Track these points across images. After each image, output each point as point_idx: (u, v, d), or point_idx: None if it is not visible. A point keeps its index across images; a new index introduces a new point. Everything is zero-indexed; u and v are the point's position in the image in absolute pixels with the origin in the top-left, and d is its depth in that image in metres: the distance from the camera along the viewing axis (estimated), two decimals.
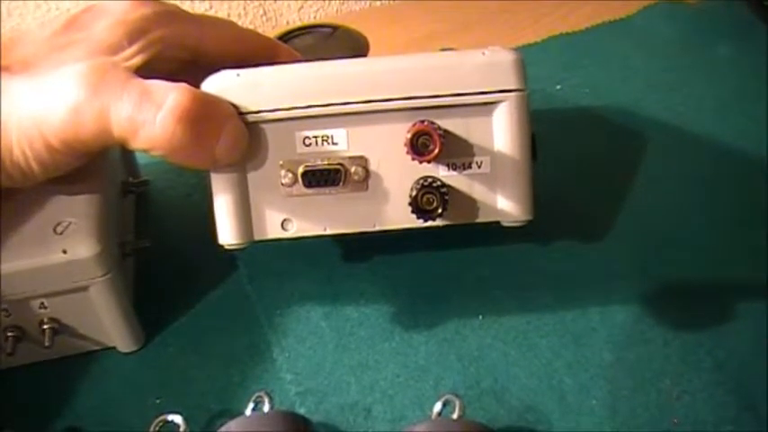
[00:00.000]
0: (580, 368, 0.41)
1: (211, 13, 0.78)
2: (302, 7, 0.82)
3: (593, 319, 0.43)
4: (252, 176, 0.39)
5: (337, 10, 0.84)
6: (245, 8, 0.80)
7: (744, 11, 0.72)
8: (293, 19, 0.83)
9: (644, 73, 0.65)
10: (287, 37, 0.64)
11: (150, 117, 0.35)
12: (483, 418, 0.39)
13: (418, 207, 0.38)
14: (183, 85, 0.36)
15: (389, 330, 0.44)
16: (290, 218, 0.40)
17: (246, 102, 0.38)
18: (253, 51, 0.45)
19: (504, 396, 0.40)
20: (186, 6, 0.76)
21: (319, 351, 0.43)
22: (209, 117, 0.36)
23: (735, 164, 0.54)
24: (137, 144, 0.36)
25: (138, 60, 0.38)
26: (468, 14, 0.77)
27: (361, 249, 0.48)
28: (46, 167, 0.38)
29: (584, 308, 0.44)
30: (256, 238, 0.40)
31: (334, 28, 0.64)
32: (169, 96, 0.35)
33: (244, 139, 0.38)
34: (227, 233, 0.40)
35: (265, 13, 0.81)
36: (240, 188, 0.39)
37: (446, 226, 0.40)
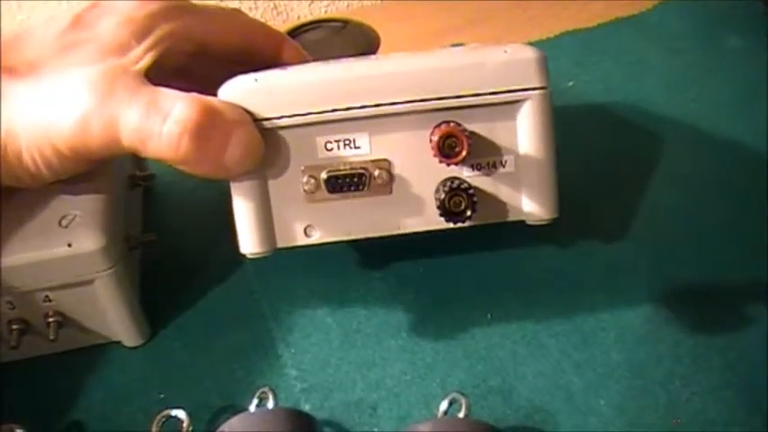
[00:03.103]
0: (588, 368, 0.40)
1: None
2: (313, 2, 0.82)
3: (603, 319, 0.43)
4: (273, 183, 0.39)
5: (348, 5, 0.84)
6: (255, 3, 0.80)
7: (758, 6, 0.71)
8: (304, 14, 0.82)
9: (657, 69, 0.64)
10: (298, 31, 0.64)
11: (157, 128, 0.35)
12: (489, 418, 0.38)
13: (446, 210, 0.38)
14: (191, 95, 0.36)
15: (396, 327, 0.43)
16: (312, 224, 0.40)
17: (265, 107, 0.38)
18: (259, 42, 0.45)
19: (511, 395, 0.39)
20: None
21: (325, 347, 0.43)
22: (215, 126, 0.36)
23: (750, 161, 0.54)
24: (146, 154, 0.36)
25: (147, 61, 0.38)
26: (479, 10, 0.76)
27: (368, 246, 0.47)
28: (55, 171, 0.38)
29: (594, 308, 0.43)
30: (279, 245, 0.40)
31: (345, 22, 0.64)
32: (175, 107, 0.35)
33: (256, 145, 0.37)
34: (250, 242, 0.39)
35: (276, 8, 0.81)
36: (261, 196, 0.39)
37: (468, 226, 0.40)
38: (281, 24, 0.80)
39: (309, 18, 0.75)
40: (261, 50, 0.45)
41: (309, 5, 0.82)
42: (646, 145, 0.56)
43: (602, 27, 0.71)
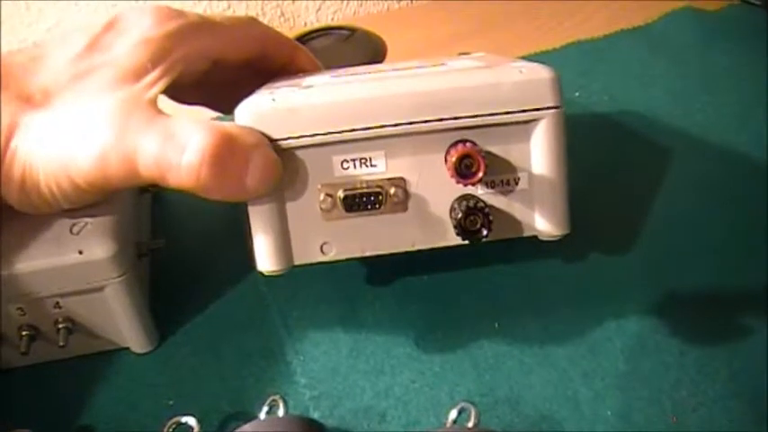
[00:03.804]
0: (595, 377, 0.41)
1: (229, 12, 0.79)
2: (320, 8, 0.83)
3: (609, 328, 0.43)
4: (290, 201, 0.39)
5: (355, 12, 0.84)
6: (263, 9, 0.80)
7: (762, 17, 0.71)
8: (311, 20, 0.83)
9: (663, 80, 0.65)
10: (305, 38, 0.64)
11: (175, 160, 0.35)
12: (498, 427, 0.38)
13: (463, 229, 0.38)
14: (205, 122, 0.36)
15: (405, 336, 0.43)
16: (329, 241, 0.40)
17: (282, 127, 0.37)
18: (273, 51, 0.45)
19: (519, 405, 0.40)
20: (203, 6, 0.76)
21: (334, 355, 0.43)
22: (233, 153, 0.36)
23: (754, 172, 0.54)
24: (166, 185, 0.36)
25: (161, 86, 0.38)
26: (486, 18, 0.76)
27: (378, 255, 0.47)
28: (72, 202, 0.39)
29: (600, 317, 0.44)
30: (296, 263, 0.40)
31: (352, 30, 0.64)
32: (192, 139, 0.35)
33: (275, 168, 0.37)
34: (267, 260, 0.39)
35: (283, 14, 0.81)
36: (278, 214, 0.39)
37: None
38: (288, 31, 0.80)
39: (316, 25, 0.76)
40: (274, 58, 0.45)
41: (316, 12, 0.83)
42: (651, 155, 0.56)
43: (608, 38, 0.71)
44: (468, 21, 0.76)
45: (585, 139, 0.57)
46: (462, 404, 0.37)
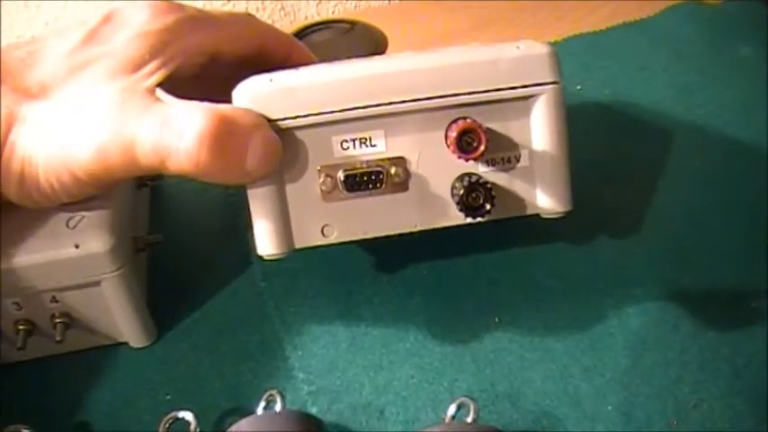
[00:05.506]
0: (596, 373, 0.40)
1: (229, 7, 0.78)
2: (320, 2, 0.82)
3: (610, 324, 0.43)
4: (289, 184, 0.39)
5: (356, 6, 0.84)
6: (263, 3, 0.80)
7: (764, 11, 0.71)
8: (311, 14, 0.82)
9: (665, 74, 0.64)
10: (305, 32, 0.64)
11: (173, 146, 0.35)
12: (497, 423, 0.38)
13: (466, 205, 0.38)
14: (203, 105, 0.36)
15: (404, 331, 0.43)
16: (330, 223, 0.39)
17: (281, 108, 0.37)
18: (270, 47, 0.45)
19: (519, 400, 0.39)
20: (203, 1, 0.76)
21: (332, 350, 0.43)
22: (232, 135, 0.36)
23: (756, 167, 0.53)
24: (167, 172, 0.36)
25: (158, 77, 0.38)
26: (487, 13, 0.76)
27: (375, 249, 0.47)
28: (73, 195, 0.39)
29: (602, 312, 0.43)
30: (297, 246, 0.40)
31: (353, 24, 0.64)
32: (189, 121, 0.35)
33: (275, 147, 0.37)
34: (267, 244, 0.39)
35: (283, 8, 0.81)
36: (278, 197, 0.38)
37: (478, 223, 0.39)
38: (289, 25, 0.80)
39: (317, 19, 0.76)
40: (272, 54, 0.45)
41: (317, 6, 0.82)
42: (652, 149, 0.56)
43: (610, 31, 0.71)
44: (469, 15, 0.76)
45: (587, 132, 0.56)
46: (461, 399, 0.36)
